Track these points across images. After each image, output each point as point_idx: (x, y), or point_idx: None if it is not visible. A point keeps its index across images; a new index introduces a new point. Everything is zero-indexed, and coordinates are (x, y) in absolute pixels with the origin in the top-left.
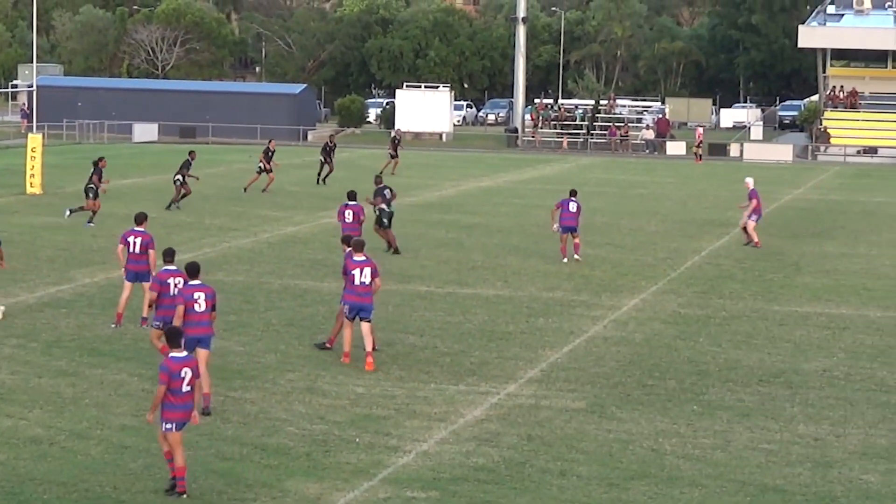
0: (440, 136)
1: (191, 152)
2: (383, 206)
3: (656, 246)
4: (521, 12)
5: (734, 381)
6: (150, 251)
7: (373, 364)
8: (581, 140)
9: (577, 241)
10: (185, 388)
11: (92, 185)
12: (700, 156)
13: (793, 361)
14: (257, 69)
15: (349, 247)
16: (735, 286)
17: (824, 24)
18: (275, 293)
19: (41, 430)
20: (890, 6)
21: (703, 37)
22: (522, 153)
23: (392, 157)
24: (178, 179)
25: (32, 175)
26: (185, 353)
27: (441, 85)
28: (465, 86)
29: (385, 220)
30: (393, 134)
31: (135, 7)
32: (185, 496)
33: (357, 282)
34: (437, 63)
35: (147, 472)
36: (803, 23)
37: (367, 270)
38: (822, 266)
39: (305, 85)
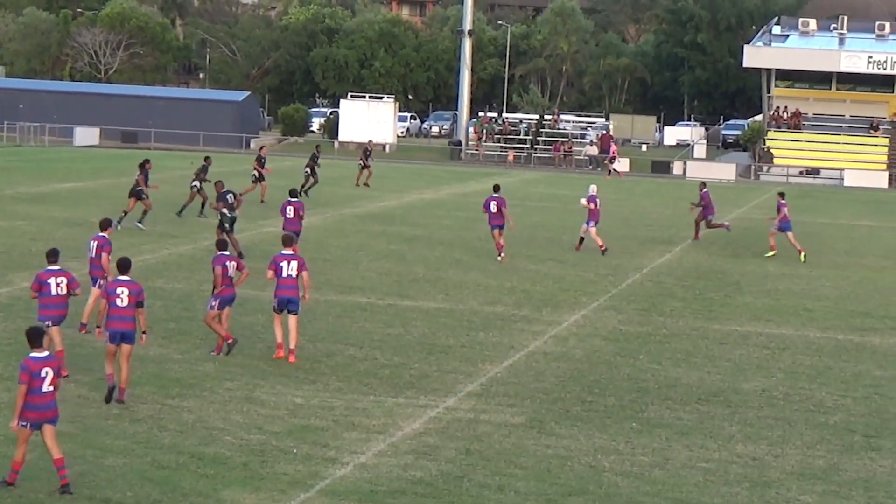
0: (384, 147)
1: (206, 158)
2: (224, 210)
3: (598, 262)
4: (467, 25)
5: (673, 399)
6: (104, 254)
7: (295, 359)
8: (525, 154)
9: (501, 240)
10: (46, 388)
11: (140, 188)
12: (611, 171)
13: (732, 380)
14: (201, 75)
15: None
16: (676, 304)
17: (769, 44)
18: None
19: None
20: (835, 28)
21: (648, 54)
22: (466, 166)
23: (363, 167)
24: (195, 185)
25: None
26: (45, 353)
27: (385, 96)
28: (410, 97)
29: (227, 225)
30: (365, 145)
31: (78, 10)
32: (69, 487)
33: (284, 274)
34: (381, 74)
35: (81, 479)
36: (748, 42)
37: (294, 264)
38: (762, 286)
39: (249, 92)
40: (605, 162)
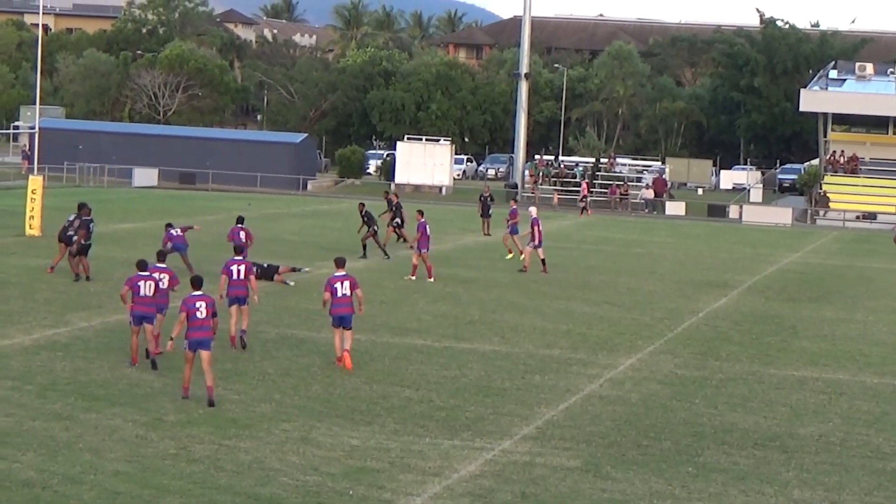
0: (440, 189)
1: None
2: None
3: (654, 305)
4: (524, 68)
5: (730, 444)
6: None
7: (350, 360)
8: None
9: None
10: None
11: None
12: (583, 210)
13: (789, 426)
14: (259, 117)
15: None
16: (732, 348)
17: (826, 88)
18: (271, 342)
19: (34, 474)
20: (892, 73)
21: (704, 97)
22: (522, 209)
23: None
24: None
25: (32, 217)
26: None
27: (442, 138)
28: (466, 140)
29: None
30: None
31: (138, 52)
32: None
33: (339, 294)
34: (438, 116)
35: None
36: (805, 86)
37: (347, 283)
38: (819, 331)
39: (306, 134)
40: (578, 202)
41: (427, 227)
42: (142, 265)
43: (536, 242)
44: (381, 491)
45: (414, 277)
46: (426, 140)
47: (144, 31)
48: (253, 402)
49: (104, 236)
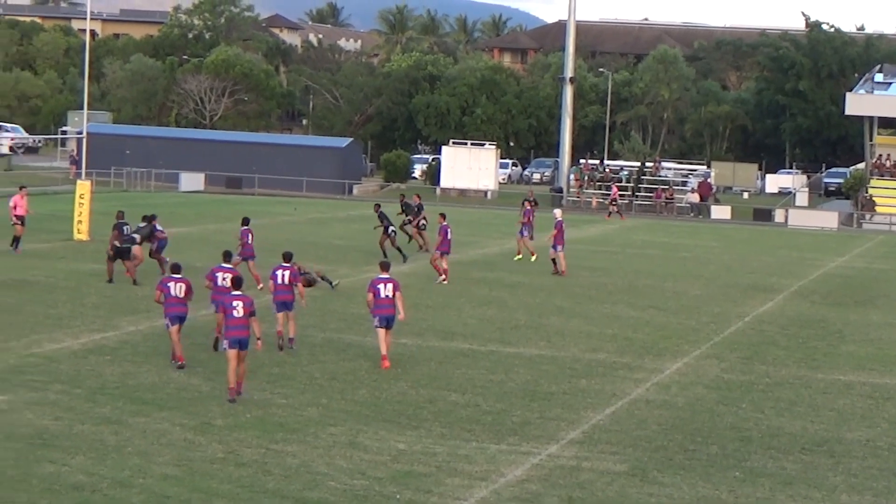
0: (485, 193)
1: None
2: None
3: (700, 310)
4: (569, 72)
5: (777, 449)
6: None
7: (388, 363)
8: (625, 201)
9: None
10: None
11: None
12: (612, 213)
13: (836, 430)
14: (304, 122)
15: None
16: (778, 353)
17: (872, 91)
18: (318, 347)
19: (83, 477)
20: None
21: (749, 101)
22: (567, 213)
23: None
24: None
25: (80, 221)
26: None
27: (487, 142)
28: (511, 144)
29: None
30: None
31: (184, 57)
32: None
33: (382, 295)
34: (483, 120)
35: None
36: (850, 90)
37: (390, 286)
38: (866, 335)
39: (352, 139)
40: (608, 205)
41: (449, 230)
42: (175, 268)
43: (558, 245)
44: (428, 495)
45: (446, 280)
46: (471, 144)
47: (191, 36)
48: (300, 406)
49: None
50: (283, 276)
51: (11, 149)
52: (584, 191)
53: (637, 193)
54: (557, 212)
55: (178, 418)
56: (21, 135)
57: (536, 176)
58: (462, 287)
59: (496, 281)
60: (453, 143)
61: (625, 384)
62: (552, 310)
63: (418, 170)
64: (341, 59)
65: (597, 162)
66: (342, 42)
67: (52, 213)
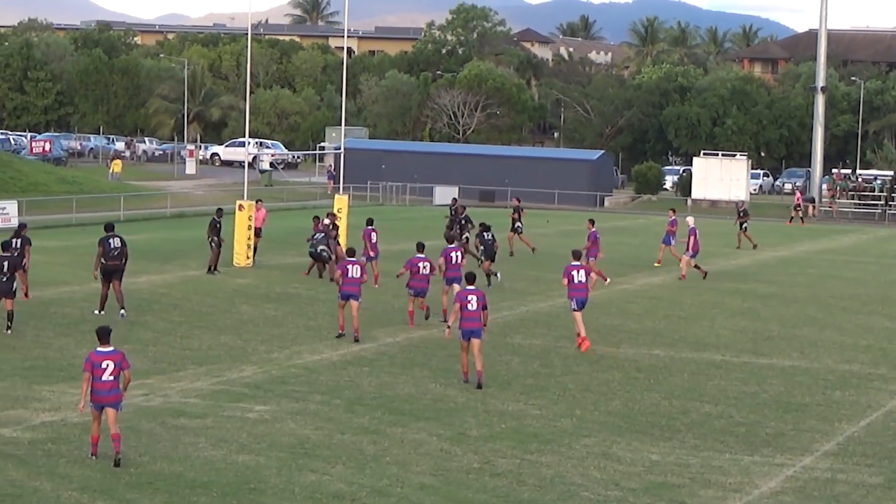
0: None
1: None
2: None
3: None
4: (821, 82)
5: None
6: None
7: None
8: (878, 211)
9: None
10: (107, 378)
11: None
12: (793, 219)
13: None
14: (556, 134)
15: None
16: None
17: None
18: (571, 358)
19: (343, 486)
20: None
21: None
22: (819, 223)
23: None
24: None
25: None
26: (110, 348)
27: (738, 153)
28: (762, 154)
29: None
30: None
31: (438, 72)
32: (119, 457)
33: (576, 280)
34: (734, 131)
35: None
36: None
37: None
38: None
39: (603, 151)
40: (791, 212)
41: (597, 235)
42: (351, 252)
43: (692, 252)
44: None
45: (608, 280)
46: (722, 155)
47: (444, 51)
48: (554, 417)
49: (395, 254)
50: (456, 256)
51: (272, 164)
52: (837, 200)
53: (890, 203)
54: (690, 219)
55: (434, 428)
56: (281, 151)
57: (788, 186)
58: (715, 298)
59: (749, 292)
60: (704, 154)
61: (880, 396)
62: (805, 320)
63: (669, 181)
64: (592, 71)
65: (849, 171)
66: (593, 55)
67: (309, 226)
